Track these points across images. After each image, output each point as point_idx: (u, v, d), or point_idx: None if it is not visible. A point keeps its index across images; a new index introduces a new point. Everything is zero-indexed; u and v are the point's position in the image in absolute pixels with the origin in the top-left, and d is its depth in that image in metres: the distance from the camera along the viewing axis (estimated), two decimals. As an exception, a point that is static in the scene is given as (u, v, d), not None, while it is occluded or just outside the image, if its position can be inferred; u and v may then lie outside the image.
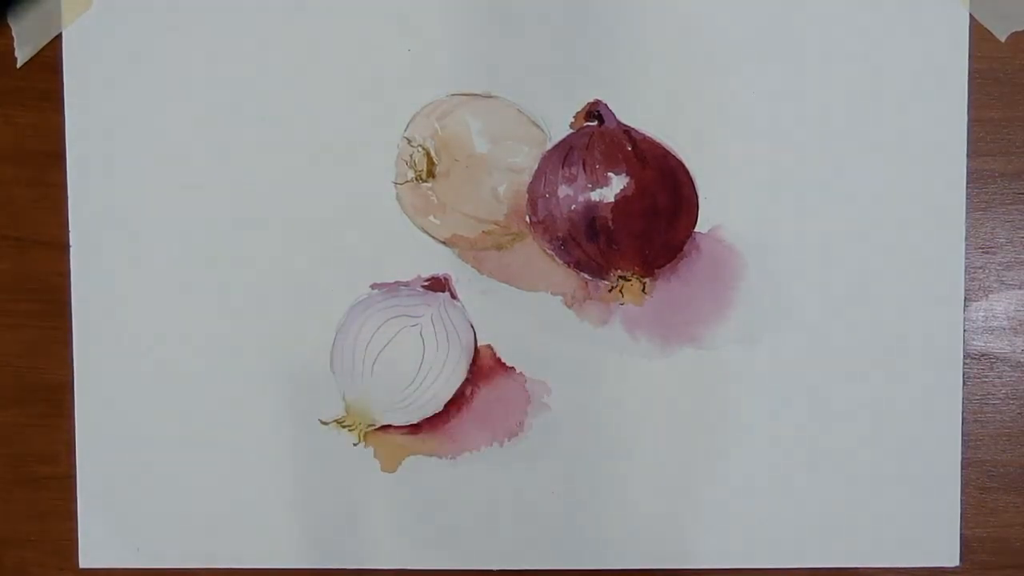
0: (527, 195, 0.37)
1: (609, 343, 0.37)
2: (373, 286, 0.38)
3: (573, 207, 0.37)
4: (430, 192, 0.37)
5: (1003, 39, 0.37)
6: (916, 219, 0.37)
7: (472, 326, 0.38)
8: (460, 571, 0.38)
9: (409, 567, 0.38)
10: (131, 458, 0.38)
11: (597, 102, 0.37)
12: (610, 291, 0.38)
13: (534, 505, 0.38)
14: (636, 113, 0.37)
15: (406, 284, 0.38)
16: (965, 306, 0.38)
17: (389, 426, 0.38)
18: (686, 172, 0.37)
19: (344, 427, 0.38)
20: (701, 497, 0.38)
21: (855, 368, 0.37)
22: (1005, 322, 0.38)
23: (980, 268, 0.38)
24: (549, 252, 0.38)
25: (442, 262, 0.38)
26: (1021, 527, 0.38)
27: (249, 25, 0.37)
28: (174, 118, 0.38)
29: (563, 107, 0.37)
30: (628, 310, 0.37)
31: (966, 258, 0.38)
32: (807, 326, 0.37)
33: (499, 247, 0.38)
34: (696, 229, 0.37)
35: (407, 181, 0.37)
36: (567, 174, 0.37)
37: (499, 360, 0.38)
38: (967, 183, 0.37)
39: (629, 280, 0.37)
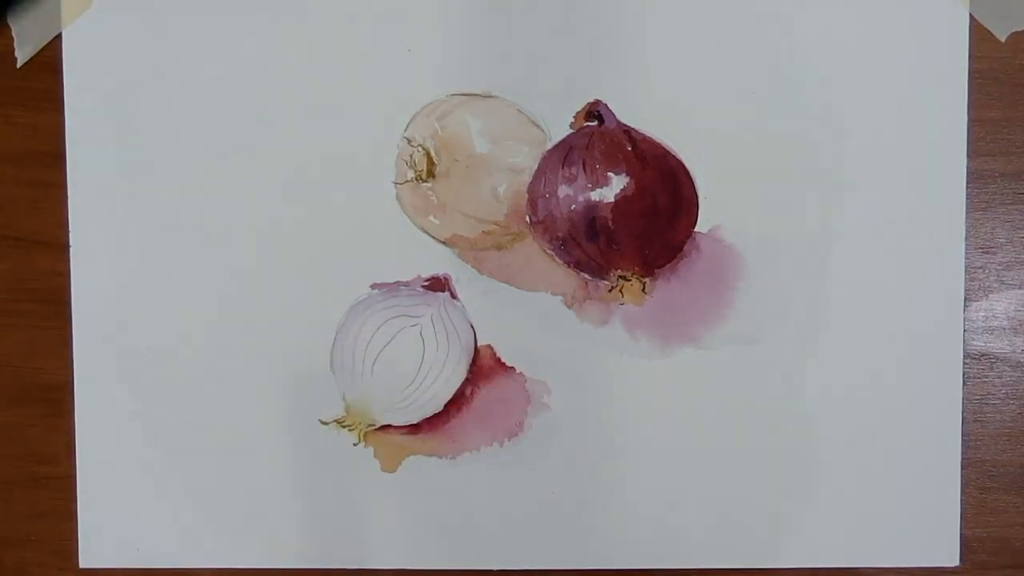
0: (527, 195, 0.37)
1: (609, 343, 0.37)
2: (373, 286, 0.38)
3: (573, 207, 0.37)
4: (430, 192, 0.37)
5: (1003, 39, 0.37)
6: (916, 219, 0.37)
7: (472, 326, 0.38)
8: (460, 571, 0.38)
9: (409, 567, 0.38)
10: (131, 458, 0.38)
11: (597, 102, 0.37)
12: (610, 291, 0.38)
13: (534, 505, 0.38)
14: (636, 113, 0.37)
15: (406, 284, 0.38)
16: (965, 306, 0.38)
17: (389, 426, 0.38)
18: (686, 172, 0.37)
19: (344, 427, 0.38)
20: (701, 497, 0.38)
21: (855, 368, 0.37)
22: (1005, 322, 0.38)
23: (980, 268, 0.38)
24: (549, 252, 0.38)
25: (442, 262, 0.38)
26: (1021, 527, 0.38)
27: (249, 25, 0.37)
28: (174, 118, 0.38)
29: (563, 107, 0.37)
30: (628, 310, 0.37)
31: (966, 258, 0.38)
32: (807, 326, 0.37)
33: (499, 247, 0.38)
34: (696, 229, 0.37)
35: (407, 181, 0.37)
36: (567, 174, 0.37)
37: (499, 360, 0.38)
38: (967, 183, 0.37)
39: (629, 280, 0.37)
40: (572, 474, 0.38)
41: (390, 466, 0.38)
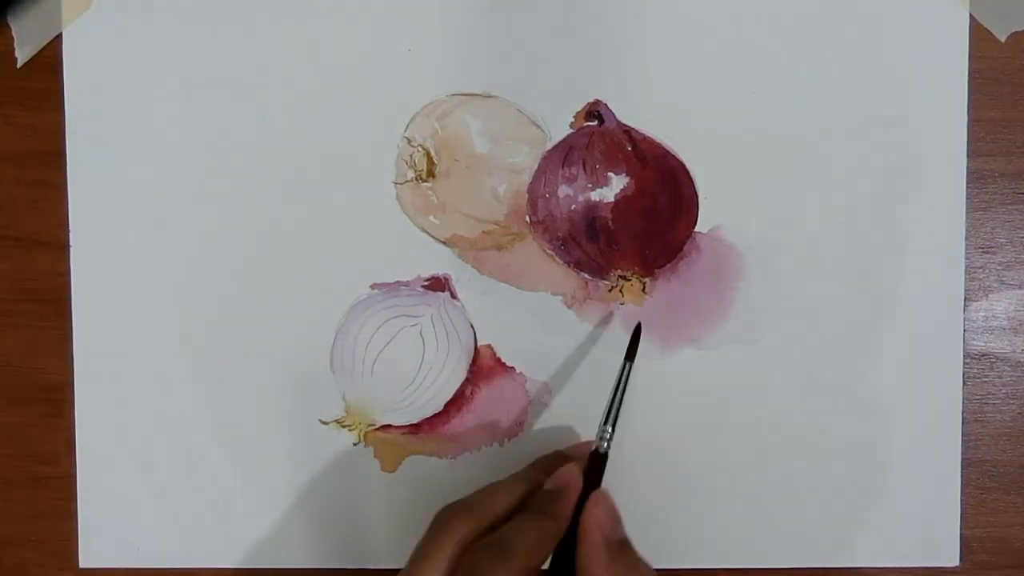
0: (527, 195, 0.37)
1: (609, 343, 0.37)
2: (373, 286, 0.38)
3: (573, 207, 0.37)
4: (430, 192, 0.37)
5: (1003, 39, 0.37)
6: (916, 219, 0.37)
7: (472, 326, 0.38)
8: (460, 571, 0.38)
9: (409, 567, 0.38)
10: (131, 458, 0.38)
11: (597, 102, 0.37)
12: (610, 291, 0.38)
13: (534, 505, 0.38)
14: (636, 113, 0.37)
15: (406, 284, 0.38)
16: (965, 306, 0.38)
17: (389, 426, 0.38)
18: (686, 172, 0.37)
19: (344, 427, 0.38)
20: (701, 497, 0.38)
21: (855, 368, 0.37)
22: (1005, 322, 0.38)
23: (980, 268, 0.38)
24: (549, 252, 0.38)
25: (442, 262, 0.38)
26: (1021, 527, 0.38)
27: (249, 25, 0.37)
28: (174, 118, 0.38)
29: (563, 107, 0.37)
30: (628, 310, 0.37)
31: (966, 258, 0.38)
32: (807, 326, 0.37)
33: (499, 247, 0.38)
34: (696, 229, 0.37)
35: (407, 181, 0.37)
36: (567, 174, 0.37)
37: (499, 360, 0.38)
38: (967, 183, 0.37)
39: (629, 280, 0.37)
40: (572, 474, 0.38)
41: (390, 466, 0.38)
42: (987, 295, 0.38)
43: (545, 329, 0.38)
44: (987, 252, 0.38)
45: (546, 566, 0.31)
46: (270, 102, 0.38)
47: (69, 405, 0.38)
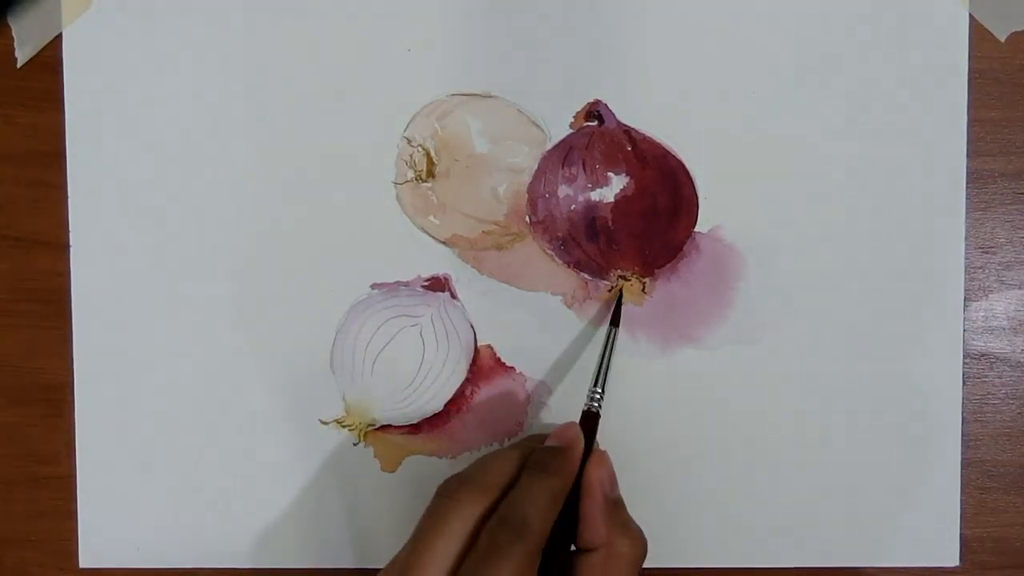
0: (527, 195, 0.37)
1: (609, 343, 0.37)
2: (373, 286, 0.38)
3: (573, 207, 0.37)
4: (430, 192, 0.37)
5: (1003, 39, 0.37)
6: (916, 219, 0.37)
7: (472, 326, 0.38)
8: (460, 571, 0.38)
9: (409, 567, 0.38)
10: (131, 458, 0.38)
11: (597, 102, 0.37)
12: (610, 291, 0.38)
13: (534, 505, 0.38)
14: (636, 113, 0.37)
15: (406, 284, 0.38)
16: (965, 306, 0.38)
17: (389, 426, 0.38)
18: (686, 172, 0.37)
19: (344, 427, 0.38)
20: (701, 496, 0.38)
21: (855, 368, 0.37)
22: (1005, 322, 0.38)
23: (980, 268, 0.38)
24: (549, 252, 0.38)
25: (442, 262, 0.38)
26: (1021, 527, 0.38)
27: (249, 25, 0.37)
28: (174, 118, 0.38)
29: (563, 107, 0.37)
30: (628, 310, 0.37)
31: (966, 258, 0.38)
32: (807, 326, 0.37)
33: (499, 247, 0.38)
34: (696, 229, 0.37)
35: (407, 181, 0.37)
36: (567, 174, 0.37)
37: (499, 360, 0.38)
38: (967, 183, 0.37)
39: (629, 280, 0.37)
40: (572, 474, 0.38)
41: (390, 466, 0.38)
42: (987, 295, 0.38)
43: (545, 329, 0.38)
44: (987, 252, 0.38)
45: None
46: (270, 102, 0.38)
47: (69, 405, 0.38)
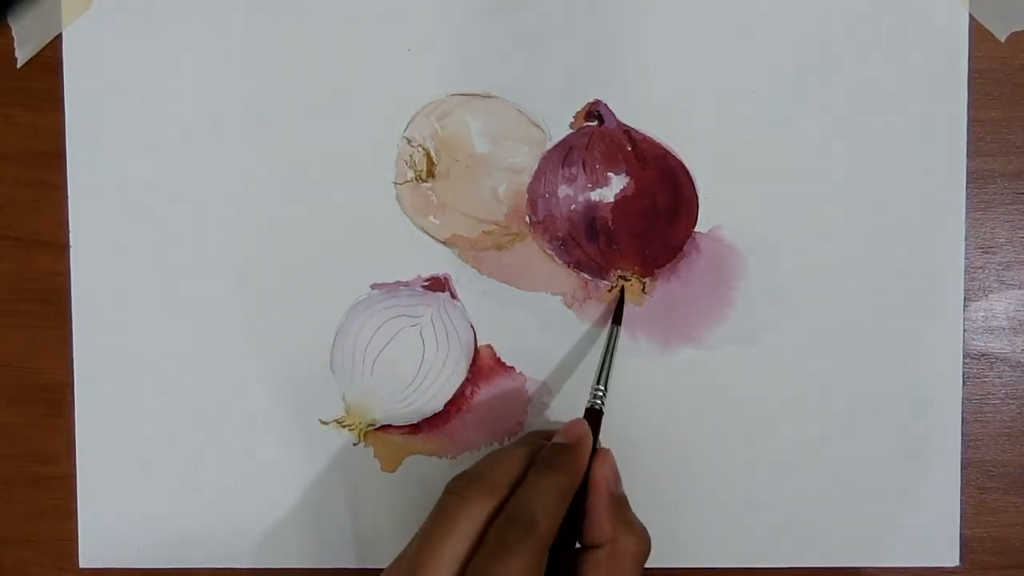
0: (527, 195, 0.37)
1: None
2: (373, 286, 0.38)
3: (573, 207, 0.37)
4: (430, 192, 0.37)
5: (1003, 39, 0.37)
6: (916, 219, 0.37)
7: (472, 326, 0.38)
8: (460, 571, 0.38)
9: (409, 567, 0.38)
10: (131, 458, 0.38)
11: (597, 102, 0.37)
12: (610, 291, 0.38)
13: (534, 505, 0.38)
14: (636, 113, 0.37)
15: (406, 284, 0.38)
16: (965, 306, 0.38)
17: (389, 426, 0.38)
18: (686, 172, 0.37)
19: (344, 427, 0.38)
20: (701, 497, 0.38)
21: (855, 368, 0.37)
22: (1005, 322, 0.38)
23: (980, 268, 0.38)
24: (549, 252, 0.38)
25: (442, 262, 0.38)
26: (1021, 527, 0.38)
27: (249, 25, 0.37)
28: (174, 118, 0.38)
29: (563, 107, 0.37)
30: (628, 310, 0.37)
31: (966, 258, 0.38)
32: (807, 326, 0.37)
33: (499, 247, 0.38)
34: (696, 229, 0.37)
35: (407, 181, 0.38)
36: (567, 174, 0.37)
37: (499, 360, 0.38)
38: (967, 183, 0.37)
39: (629, 280, 0.37)
40: (572, 474, 0.38)
41: (390, 466, 0.38)
42: (987, 295, 0.38)
43: (545, 329, 0.38)
44: (987, 252, 0.38)
45: None
46: (270, 102, 0.38)
47: (69, 405, 0.38)
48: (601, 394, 0.34)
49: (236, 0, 0.37)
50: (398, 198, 0.38)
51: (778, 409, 0.38)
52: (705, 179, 0.37)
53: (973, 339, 0.38)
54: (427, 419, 0.38)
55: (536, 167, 0.37)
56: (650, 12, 0.37)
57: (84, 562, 0.38)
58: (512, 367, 0.38)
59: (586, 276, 0.38)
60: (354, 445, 0.38)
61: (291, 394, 0.38)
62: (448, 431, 0.38)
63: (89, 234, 0.38)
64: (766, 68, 0.37)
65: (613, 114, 0.37)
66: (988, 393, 0.38)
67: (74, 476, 0.38)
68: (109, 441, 0.38)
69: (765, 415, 0.38)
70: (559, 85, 0.37)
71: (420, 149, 0.37)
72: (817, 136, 0.37)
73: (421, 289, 0.38)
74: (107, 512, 0.38)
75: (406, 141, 0.37)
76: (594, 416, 0.34)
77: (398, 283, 0.38)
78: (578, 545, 0.32)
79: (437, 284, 0.38)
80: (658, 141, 0.37)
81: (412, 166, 0.37)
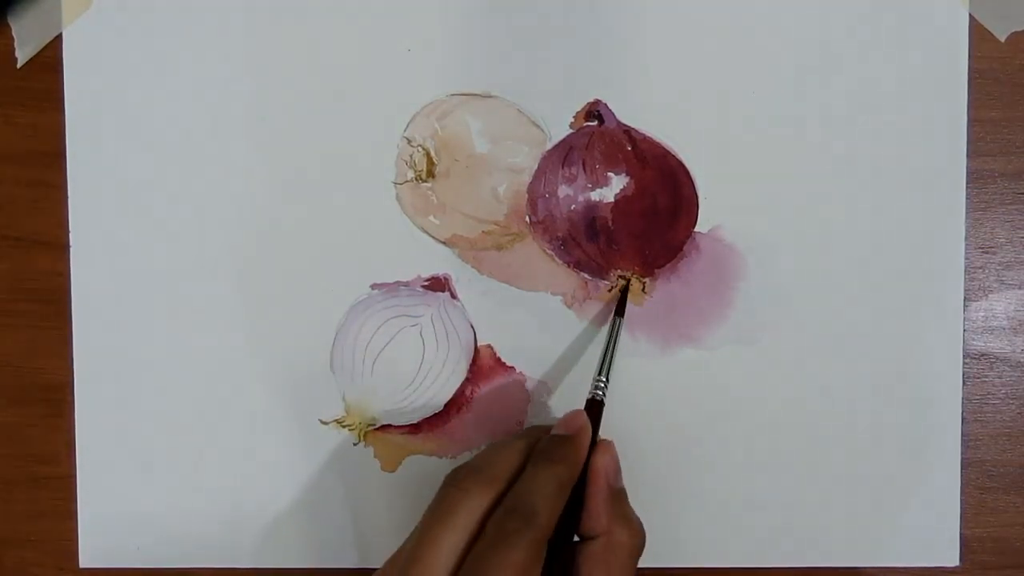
0: (527, 195, 0.38)
1: (609, 343, 0.37)
2: (373, 286, 0.38)
3: (573, 207, 0.37)
4: (430, 192, 0.37)
5: (1003, 39, 0.37)
6: (916, 219, 0.37)
7: (472, 326, 0.38)
8: (460, 571, 0.38)
9: (409, 567, 0.38)
10: (131, 458, 0.38)
11: (597, 102, 0.37)
12: (610, 291, 0.38)
13: (534, 505, 0.38)
14: (636, 113, 0.37)
15: (406, 284, 0.38)
16: (965, 306, 0.38)
17: (389, 426, 0.38)
18: (686, 172, 0.37)
19: (344, 427, 0.38)
20: (701, 497, 0.38)
21: (854, 368, 0.37)
22: (1005, 322, 0.38)
23: (980, 268, 0.38)
24: (549, 252, 0.38)
25: (442, 262, 0.38)
26: (1021, 527, 0.38)
27: (249, 25, 0.37)
28: (174, 118, 0.38)
29: (563, 107, 0.37)
30: (628, 310, 0.37)
31: (966, 258, 0.38)
32: (807, 326, 0.37)
33: (499, 247, 0.38)
34: (696, 229, 0.37)
35: (407, 181, 0.38)
36: (567, 174, 0.37)
37: (499, 360, 0.38)
38: (967, 183, 0.37)
39: (629, 280, 0.37)
40: (572, 474, 0.38)
41: (390, 466, 0.38)
42: (987, 295, 0.38)
43: (545, 329, 0.38)
44: (987, 252, 0.38)
45: None
46: (270, 102, 0.38)
47: (69, 405, 0.38)
48: (603, 385, 0.34)
49: (236, 0, 0.37)
50: (398, 198, 0.38)
51: (778, 409, 0.38)
52: (705, 179, 0.37)
53: (973, 339, 0.38)
54: (427, 419, 0.38)
55: (536, 167, 0.37)
56: (650, 12, 0.37)
57: (84, 562, 0.38)
58: (512, 367, 0.38)
59: (586, 276, 0.38)
60: (354, 445, 0.38)
61: (291, 394, 0.38)
62: (448, 431, 0.38)
63: (89, 234, 0.38)
64: (766, 68, 0.37)
65: (613, 114, 0.37)
66: (988, 393, 0.38)
67: (74, 476, 0.38)
68: (109, 441, 0.38)
69: (765, 415, 0.38)
70: (559, 85, 0.37)
71: (420, 149, 0.37)
72: (817, 136, 0.37)
73: (421, 289, 0.38)
74: (107, 512, 0.38)
75: (406, 141, 0.37)
76: (595, 407, 0.34)
77: (398, 283, 0.38)
78: (576, 538, 0.32)
79: (437, 284, 0.38)
80: (658, 141, 0.37)
81: (412, 166, 0.37)
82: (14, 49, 0.38)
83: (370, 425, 0.38)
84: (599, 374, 0.35)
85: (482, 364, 0.38)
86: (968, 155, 0.37)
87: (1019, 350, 0.38)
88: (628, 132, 0.37)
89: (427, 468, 0.38)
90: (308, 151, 0.38)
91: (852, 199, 0.37)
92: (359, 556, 0.38)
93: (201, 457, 0.38)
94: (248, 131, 0.38)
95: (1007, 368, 0.38)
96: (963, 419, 0.38)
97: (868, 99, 0.37)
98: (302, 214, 0.38)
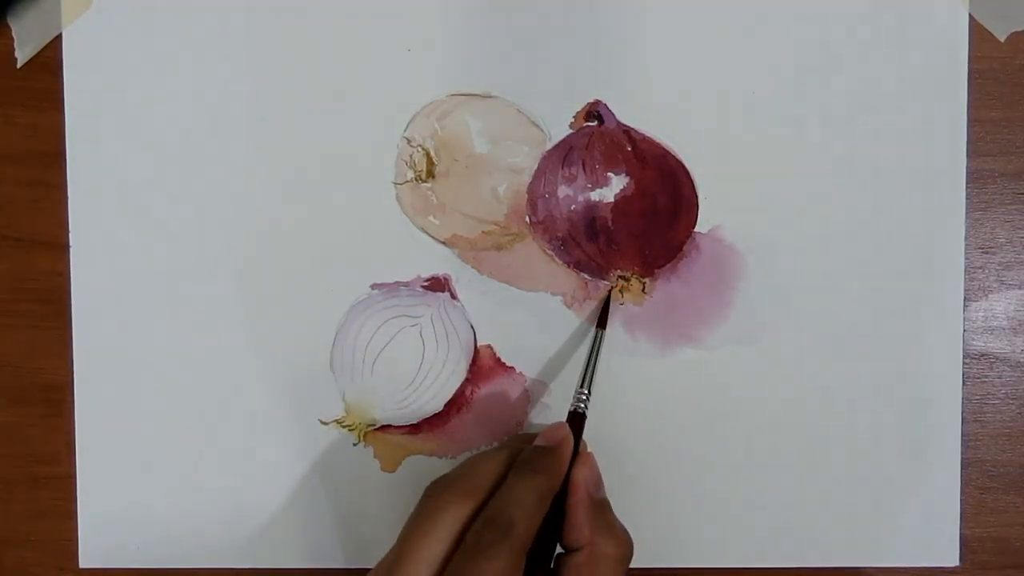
0: (527, 195, 0.38)
1: (609, 343, 0.37)
2: (373, 286, 0.38)
3: (573, 207, 0.37)
4: (430, 192, 0.37)
5: (1003, 39, 0.37)
6: (916, 219, 0.37)
7: (472, 326, 0.38)
8: (460, 571, 0.38)
9: (409, 567, 0.38)
10: (131, 458, 0.38)
11: (597, 102, 0.37)
12: (610, 291, 0.38)
13: (534, 505, 0.38)
14: (636, 113, 0.37)
15: (406, 284, 0.38)
16: (965, 306, 0.38)
17: (389, 426, 0.38)
18: (686, 172, 0.37)
19: (344, 427, 0.38)
20: (701, 497, 0.38)
21: (855, 368, 0.37)
22: (1005, 322, 0.38)
23: (980, 268, 0.38)
24: (549, 252, 0.38)
25: (442, 262, 0.38)
26: (1021, 527, 0.38)
27: (249, 25, 0.37)
28: (174, 118, 0.38)
29: (563, 107, 0.37)
30: (628, 310, 0.37)
31: (966, 258, 0.38)
32: (807, 326, 0.37)
33: (499, 247, 0.38)
34: (696, 229, 0.37)
35: (407, 181, 0.38)
36: (567, 174, 0.37)
37: (499, 360, 0.38)
38: (967, 183, 0.37)
39: (629, 280, 0.37)
40: (572, 474, 0.38)
41: (390, 466, 0.38)
42: (987, 295, 0.38)
43: (545, 329, 0.38)
44: (987, 252, 0.38)
45: None
46: (270, 102, 0.38)
47: (69, 405, 0.38)
48: (585, 398, 0.34)
49: (236, 0, 0.37)
50: (398, 198, 0.38)
51: (778, 409, 0.38)
52: (705, 179, 0.37)
53: (973, 339, 0.38)
54: (427, 419, 0.38)
55: (536, 167, 0.37)
56: (650, 12, 0.37)
57: (84, 562, 0.38)
58: (512, 367, 0.38)
59: (586, 276, 0.38)
60: (354, 445, 0.38)
61: (291, 394, 0.38)
62: (448, 431, 0.38)
63: (89, 234, 0.38)
64: (766, 68, 0.37)
65: (613, 114, 0.37)
66: (988, 393, 0.38)
67: (74, 476, 0.38)
68: (109, 441, 0.38)
69: (765, 415, 0.38)
70: (559, 85, 0.37)
71: (420, 149, 0.37)
72: (817, 136, 0.37)
73: (421, 289, 0.38)
74: (107, 512, 0.38)
75: (406, 141, 0.37)
76: (577, 420, 0.34)
77: (398, 283, 0.38)
78: (560, 550, 0.32)
79: (437, 284, 0.38)
80: (658, 141, 0.37)
81: (412, 166, 0.37)
82: (14, 49, 0.38)
83: (370, 425, 0.38)
84: (581, 386, 0.35)
85: (482, 364, 0.38)
86: (968, 155, 0.37)
87: (1019, 350, 0.38)
88: (628, 132, 0.37)
89: (427, 468, 0.38)
90: (308, 151, 0.38)
91: (852, 199, 0.37)
92: (359, 556, 0.38)
93: (201, 457, 0.38)
94: (248, 131, 0.38)
95: (1007, 368, 0.38)
96: (963, 419, 0.38)
97: (868, 99, 0.37)
98: (302, 214, 0.38)
